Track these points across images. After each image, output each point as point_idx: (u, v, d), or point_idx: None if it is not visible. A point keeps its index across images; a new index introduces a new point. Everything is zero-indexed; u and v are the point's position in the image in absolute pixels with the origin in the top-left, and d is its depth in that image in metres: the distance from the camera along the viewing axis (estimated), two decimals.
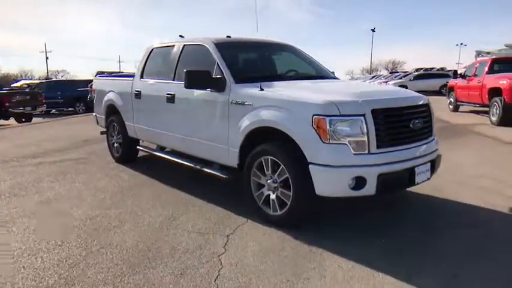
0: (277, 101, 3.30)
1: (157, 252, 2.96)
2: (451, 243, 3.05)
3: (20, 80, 37.23)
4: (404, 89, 3.85)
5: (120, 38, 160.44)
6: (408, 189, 3.78)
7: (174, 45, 4.74)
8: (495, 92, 9.78)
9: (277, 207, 3.35)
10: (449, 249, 2.95)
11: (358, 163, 2.96)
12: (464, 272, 2.62)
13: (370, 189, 2.98)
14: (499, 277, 2.57)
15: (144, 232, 3.34)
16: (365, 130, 2.97)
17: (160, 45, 5.10)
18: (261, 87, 3.49)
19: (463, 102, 12.35)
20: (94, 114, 6.66)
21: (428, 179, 3.41)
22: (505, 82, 9.37)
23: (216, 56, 3.98)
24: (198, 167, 4.28)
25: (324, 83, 4.15)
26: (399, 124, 3.21)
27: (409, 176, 3.19)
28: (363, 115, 2.98)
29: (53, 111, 18.45)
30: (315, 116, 2.99)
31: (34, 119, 14.51)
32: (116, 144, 5.93)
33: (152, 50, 5.15)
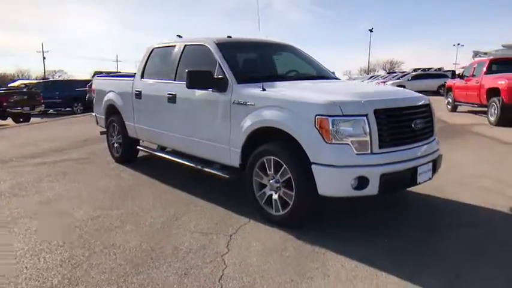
0: (280, 101, 3.30)
1: (160, 252, 2.96)
2: (453, 243, 3.06)
3: (17, 80, 37.07)
4: (405, 89, 3.86)
5: (118, 38, 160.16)
6: (409, 189, 3.79)
7: (175, 46, 4.74)
8: (493, 92, 9.83)
9: (280, 207, 3.35)
10: (451, 249, 2.96)
11: (361, 163, 2.97)
12: (466, 271, 2.64)
13: (372, 189, 2.99)
14: (500, 276, 2.58)
15: (146, 232, 3.34)
16: (367, 130, 2.98)
17: (160, 45, 5.09)
18: (263, 88, 3.50)
19: (461, 102, 12.40)
20: (93, 114, 6.65)
21: (430, 178, 3.43)
22: (503, 82, 9.42)
23: (217, 56, 3.98)
24: (199, 167, 4.29)
25: (326, 83, 4.16)
26: (401, 124, 3.22)
27: (411, 176, 3.21)
28: (366, 115, 2.99)
29: (51, 111, 18.39)
30: (317, 116, 2.99)
31: (32, 119, 14.47)
32: (116, 145, 5.93)
33: (153, 50, 5.15)
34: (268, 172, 3.41)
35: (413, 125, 3.27)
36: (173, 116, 4.51)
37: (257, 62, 4.72)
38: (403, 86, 19.45)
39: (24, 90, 17.13)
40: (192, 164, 4.39)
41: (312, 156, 3.04)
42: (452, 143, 7.03)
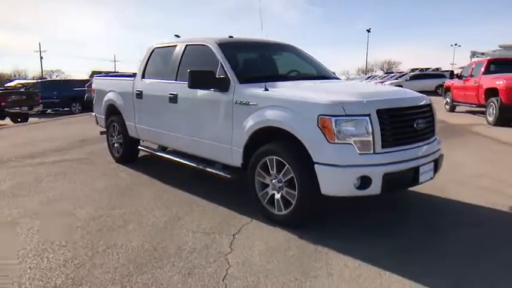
0: (283, 101, 3.31)
1: (163, 252, 2.96)
2: (455, 243, 3.07)
3: (14, 80, 36.99)
4: (407, 89, 3.88)
5: (116, 38, 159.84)
6: (410, 188, 3.80)
7: (176, 45, 4.74)
8: (492, 92, 9.88)
9: (282, 207, 3.36)
10: (453, 249, 2.98)
11: (364, 163, 2.98)
12: (469, 270, 2.65)
13: (375, 188, 3.00)
14: (503, 276, 2.60)
15: (149, 232, 3.33)
16: (370, 130, 2.99)
17: (161, 45, 5.09)
18: (265, 88, 3.50)
19: (460, 102, 12.45)
20: (93, 114, 6.64)
21: (432, 178, 3.44)
22: (501, 82, 9.47)
23: (219, 56, 3.98)
24: (201, 166, 4.29)
25: (327, 83, 4.17)
26: (403, 124, 3.23)
27: (413, 176, 3.22)
28: (368, 115, 3.00)
29: (49, 111, 18.35)
30: (320, 116, 3.00)
31: (30, 119, 14.42)
32: (116, 145, 5.92)
33: (154, 50, 5.15)
34: (270, 172, 3.42)
35: (415, 125, 3.28)
36: (174, 116, 4.51)
37: (258, 62, 4.72)
38: (401, 86, 19.50)
39: (23, 90, 17.09)
40: (193, 164, 4.39)
41: (315, 156, 3.05)
42: (451, 142, 7.04)
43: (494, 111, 9.57)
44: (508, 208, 3.79)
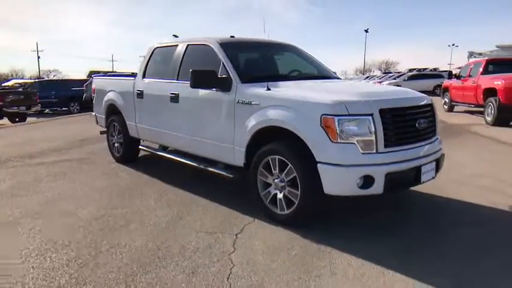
0: (285, 100, 3.31)
1: (166, 251, 2.96)
2: (457, 242, 3.08)
3: (11, 80, 36.83)
4: (408, 89, 3.89)
5: (113, 38, 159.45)
6: (411, 188, 3.82)
7: (177, 45, 4.74)
8: (490, 92, 9.93)
9: (285, 206, 3.36)
10: (455, 248, 2.99)
11: (366, 162, 2.99)
12: (471, 270, 2.66)
13: (378, 188, 3.01)
14: (504, 276, 2.60)
15: (152, 231, 3.33)
16: (373, 129, 3.00)
17: (162, 45, 5.09)
18: (268, 87, 3.51)
19: (458, 102, 12.50)
20: (93, 113, 6.62)
21: (433, 177, 3.46)
22: (499, 83, 9.51)
23: (221, 55, 3.98)
24: (202, 166, 4.29)
25: (329, 83, 4.18)
26: (406, 124, 3.25)
27: (415, 175, 3.23)
28: (371, 115, 3.01)
29: (47, 110, 18.30)
30: (323, 116, 3.01)
31: (28, 119, 14.36)
32: (116, 144, 5.91)
33: (154, 49, 5.14)
34: (273, 171, 3.43)
35: (417, 125, 3.30)
36: (176, 115, 4.51)
37: (260, 61, 4.73)
38: (399, 86, 19.58)
39: (21, 89, 17.02)
40: (195, 164, 4.39)
41: (318, 155, 3.06)
42: (450, 142, 7.07)
43: (492, 111, 9.61)
44: (508, 207, 3.80)
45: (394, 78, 27.28)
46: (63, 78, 33.62)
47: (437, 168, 3.53)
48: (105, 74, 14.16)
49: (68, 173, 5.34)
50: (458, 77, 12.73)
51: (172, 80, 4.56)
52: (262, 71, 4.43)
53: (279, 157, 3.33)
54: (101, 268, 2.71)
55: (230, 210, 3.77)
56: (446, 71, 27.97)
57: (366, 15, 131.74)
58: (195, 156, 4.48)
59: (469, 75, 11.74)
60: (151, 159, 5.97)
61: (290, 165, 3.24)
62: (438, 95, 16.61)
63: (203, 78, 3.80)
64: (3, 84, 25.59)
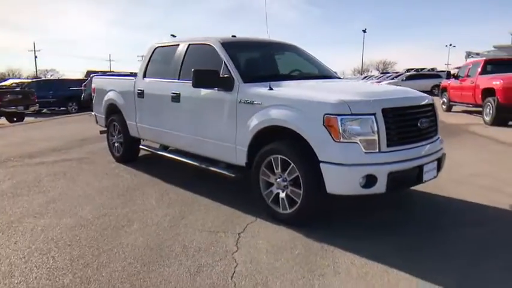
0: (288, 100, 3.32)
1: (169, 250, 2.96)
2: (459, 242, 3.09)
3: (8, 79, 36.69)
4: (410, 88, 3.90)
5: (111, 37, 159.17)
6: (412, 187, 3.83)
7: (178, 45, 4.73)
8: (488, 92, 9.97)
9: (287, 206, 3.37)
10: (457, 247, 3.00)
11: (369, 161, 3.00)
12: (472, 269, 2.67)
13: (380, 187, 3.02)
14: (505, 275, 2.61)
15: (154, 231, 3.33)
16: (375, 129, 3.01)
17: (163, 45, 5.08)
18: (270, 87, 3.51)
19: (456, 102, 12.56)
20: (93, 113, 6.61)
21: (435, 177, 3.47)
22: (498, 83, 9.56)
23: (223, 55, 3.98)
24: (204, 166, 4.29)
25: (330, 82, 4.18)
26: (408, 123, 3.26)
27: (417, 174, 3.24)
28: (374, 114, 3.02)
29: (44, 110, 18.22)
30: (326, 115, 3.02)
31: (26, 119, 14.31)
32: (116, 144, 5.90)
33: (155, 49, 5.14)
34: (275, 171, 3.43)
35: (419, 124, 3.31)
36: (177, 115, 4.51)
37: (262, 61, 4.72)
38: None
39: (18, 89, 16.96)
40: (197, 163, 4.39)
41: (321, 154, 3.06)
42: (449, 142, 7.04)
43: (491, 111, 9.66)
44: (509, 207, 3.82)
45: (392, 78, 27.33)
46: (61, 78, 33.52)
47: (439, 167, 3.55)
48: (104, 73, 14.15)
49: (68, 172, 5.33)
50: (456, 77, 12.78)
51: (173, 80, 4.55)
52: (264, 70, 4.44)
53: (282, 156, 3.33)
54: (105, 267, 2.71)
55: (232, 210, 3.78)
56: (444, 71, 28.08)
57: (363, 15, 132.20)
58: (196, 155, 4.48)
59: (468, 75, 11.79)
60: (152, 159, 5.97)
61: (292, 164, 3.25)
62: (436, 95, 16.64)
63: (205, 77, 3.80)
64: (0, 84, 25.47)
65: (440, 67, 41.35)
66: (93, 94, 6.50)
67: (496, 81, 9.73)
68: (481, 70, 11.12)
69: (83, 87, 16.16)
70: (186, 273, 2.62)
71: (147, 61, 5.16)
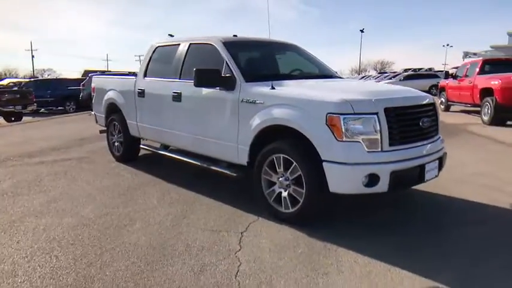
0: (290, 99, 3.33)
1: (173, 249, 2.96)
2: (461, 241, 3.10)
3: (5, 79, 36.55)
4: (411, 88, 3.92)
5: (108, 37, 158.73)
6: (413, 187, 3.84)
7: (179, 44, 4.73)
8: (487, 92, 10.01)
9: (289, 205, 3.38)
10: (460, 246, 3.01)
11: (372, 160, 3.01)
12: (476, 267, 2.69)
13: (383, 186, 3.03)
14: (507, 275, 2.63)
15: (156, 230, 3.33)
16: (378, 128, 3.02)
17: (164, 44, 5.08)
18: (272, 86, 3.52)
19: (454, 102, 12.60)
20: (93, 113, 6.59)
21: (436, 176, 3.48)
22: (496, 82, 9.59)
23: (224, 55, 3.98)
24: (205, 165, 4.29)
25: (332, 82, 4.19)
26: (410, 122, 3.27)
27: (419, 173, 3.25)
28: (376, 113, 3.03)
29: (42, 110, 18.16)
30: (329, 114, 3.02)
31: (24, 118, 14.25)
32: (116, 143, 5.89)
33: (156, 48, 5.13)
34: (277, 170, 3.43)
35: (420, 123, 3.32)
36: (178, 114, 4.51)
37: (263, 60, 4.72)
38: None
39: (16, 89, 16.89)
40: (198, 163, 4.39)
41: (323, 153, 3.07)
42: (448, 142, 7.03)
43: (489, 111, 9.70)
44: (510, 206, 3.85)
45: (390, 78, 27.37)
46: (59, 78, 33.36)
47: (440, 166, 3.56)
48: (102, 73, 14.11)
49: (68, 172, 5.32)
50: (454, 76, 12.82)
51: (174, 79, 4.55)
52: (266, 70, 4.44)
53: (284, 156, 3.34)
54: (108, 266, 2.71)
55: (234, 209, 3.78)
56: (441, 71, 28.17)
57: (361, 15, 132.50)
58: (197, 155, 4.48)
59: (466, 75, 11.83)
60: (152, 158, 5.97)
61: (295, 163, 3.25)
62: (434, 95, 16.70)
63: (207, 77, 3.80)
64: None
65: (438, 67, 41.59)
66: (93, 93, 6.48)
67: (494, 81, 9.77)
68: (479, 70, 11.16)
69: (81, 87, 16.11)
70: (189, 272, 2.62)
71: (147, 60, 5.16)
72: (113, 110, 5.82)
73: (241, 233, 3.25)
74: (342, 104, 3.02)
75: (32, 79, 27.22)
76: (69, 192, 4.42)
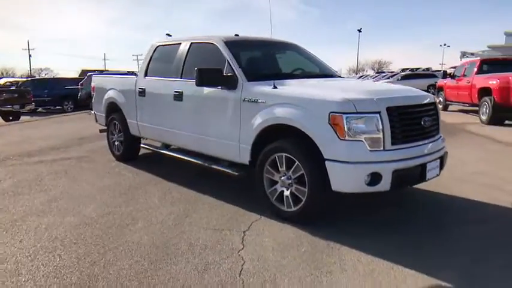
0: (293, 98, 3.33)
1: (176, 248, 2.96)
2: (462, 239, 3.12)
3: (2, 78, 36.39)
4: (412, 87, 3.93)
5: (105, 36, 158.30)
6: (414, 185, 3.86)
7: (180, 43, 4.73)
8: (485, 91, 10.06)
9: (291, 204, 3.39)
10: (461, 245, 3.03)
11: (374, 159, 3.02)
12: (477, 266, 2.71)
13: (385, 185, 3.05)
14: (510, 272, 2.65)
15: (159, 229, 3.33)
16: (380, 127, 3.03)
17: (165, 43, 5.08)
18: (274, 85, 3.52)
19: (452, 101, 12.65)
20: (92, 112, 6.58)
21: (438, 175, 3.50)
22: (494, 82, 9.64)
23: (226, 54, 3.99)
24: (207, 164, 4.29)
25: (333, 81, 4.20)
26: (412, 121, 3.28)
27: (420, 172, 3.27)
28: (379, 112, 3.04)
29: (40, 109, 18.09)
30: (331, 114, 3.03)
31: (21, 117, 14.20)
32: (116, 143, 5.88)
33: (157, 48, 5.13)
34: (279, 169, 3.44)
35: (422, 123, 3.34)
36: (179, 113, 4.51)
37: (265, 60, 4.73)
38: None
39: (14, 88, 16.82)
40: (200, 162, 4.39)
41: (326, 152, 3.08)
42: (447, 141, 7.11)
43: (487, 110, 9.74)
44: (510, 204, 3.87)
45: (388, 78, 27.41)
46: (56, 77, 33.23)
47: (441, 165, 3.58)
48: (101, 72, 14.08)
49: (68, 171, 5.31)
50: (452, 76, 12.87)
51: (175, 78, 4.55)
52: (267, 69, 4.45)
53: (286, 154, 3.35)
54: (112, 265, 2.71)
55: (236, 208, 3.79)
56: (439, 70, 28.24)
57: (359, 15, 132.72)
58: (197, 153, 4.48)
59: (464, 75, 11.88)
60: (152, 157, 5.97)
61: (297, 162, 3.26)
62: (432, 95, 16.77)
63: (209, 76, 3.81)
64: None
65: (435, 67, 41.73)
66: (93, 93, 6.47)
67: (492, 80, 9.82)
68: (477, 70, 11.21)
69: (79, 86, 16.06)
70: (193, 271, 2.62)
71: (148, 60, 5.15)
72: (113, 109, 5.81)
73: (244, 231, 3.26)
74: (344, 103, 3.03)
75: (29, 78, 27.11)
76: (70, 191, 4.42)
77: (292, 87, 3.56)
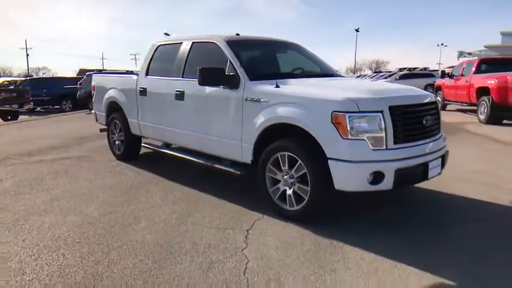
0: (295, 97, 3.34)
1: (179, 247, 2.97)
2: (463, 237, 3.14)
3: (0, 77, 36.24)
4: (413, 87, 3.95)
5: (103, 35, 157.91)
6: (416, 184, 3.88)
7: (181, 43, 4.73)
8: (483, 91, 10.10)
9: (294, 203, 3.40)
10: (461, 243, 3.04)
11: (377, 158, 3.04)
12: (477, 264, 2.72)
13: (387, 183, 3.06)
14: (509, 272, 2.67)
15: (162, 228, 3.34)
16: (383, 126, 3.05)
17: (166, 43, 5.08)
18: (276, 85, 3.53)
19: (451, 101, 12.69)
20: (92, 111, 6.58)
21: (439, 174, 3.52)
22: (493, 82, 9.68)
23: (228, 53, 4.00)
24: (208, 163, 4.30)
25: (335, 80, 4.22)
26: (414, 121, 3.30)
27: (422, 171, 3.29)
28: (381, 112, 3.06)
29: (38, 109, 18.02)
30: (334, 113, 3.05)
31: (20, 117, 14.17)
32: (117, 142, 5.88)
33: (158, 47, 5.13)
34: (282, 168, 3.45)
35: (424, 122, 3.36)
36: (181, 112, 4.51)
37: (266, 59, 4.73)
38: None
39: (13, 87, 16.76)
40: (202, 161, 4.39)
41: (329, 151, 3.10)
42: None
43: (485, 110, 9.78)
44: (510, 203, 3.89)
45: (386, 78, 27.44)
46: (54, 76, 33.10)
47: (443, 164, 3.60)
48: (99, 71, 14.02)
49: (69, 170, 5.31)
50: (451, 76, 12.91)
51: (177, 78, 4.55)
52: (269, 68, 4.46)
53: (289, 154, 3.36)
54: (116, 264, 2.71)
55: (238, 207, 3.80)
56: (436, 70, 28.31)
57: (357, 15, 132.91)
58: (199, 153, 4.48)
59: (462, 75, 11.92)
60: (153, 157, 5.97)
61: (300, 161, 3.28)
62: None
63: (211, 75, 3.81)
64: None
65: (432, 66, 41.84)
66: (93, 92, 6.46)
67: (490, 80, 9.86)
68: (476, 69, 11.25)
69: (78, 86, 15.99)
70: (198, 270, 2.63)
71: (149, 59, 5.15)
72: (113, 108, 5.81)
73: (247, 230, 3.27)
74: (347, 102, 3.05)
75: (28, 78, 27.02)
76: (71, 190, 4.42)
77: (295, 87, 3.57)
